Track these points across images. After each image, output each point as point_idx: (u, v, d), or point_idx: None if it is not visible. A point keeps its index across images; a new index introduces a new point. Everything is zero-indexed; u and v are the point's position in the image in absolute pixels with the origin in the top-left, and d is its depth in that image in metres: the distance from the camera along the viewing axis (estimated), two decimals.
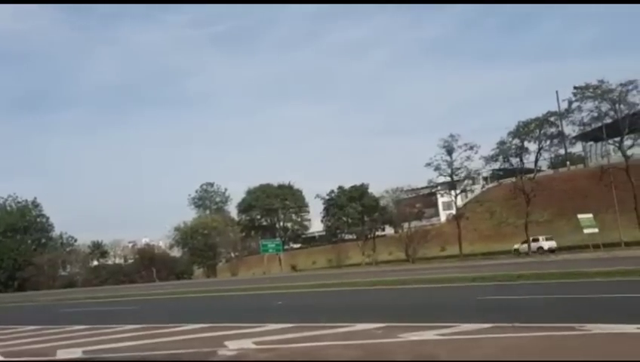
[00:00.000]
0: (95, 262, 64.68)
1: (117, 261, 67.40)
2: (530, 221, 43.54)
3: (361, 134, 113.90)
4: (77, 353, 10.36)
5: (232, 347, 9.46)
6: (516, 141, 46.67)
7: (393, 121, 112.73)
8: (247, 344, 9.67)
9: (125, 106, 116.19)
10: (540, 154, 46.41)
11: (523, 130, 45.91)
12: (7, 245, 57.98)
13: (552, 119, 45.17)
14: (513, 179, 50.03)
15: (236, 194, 78.87)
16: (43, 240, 62.92)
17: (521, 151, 46.37)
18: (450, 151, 45.48)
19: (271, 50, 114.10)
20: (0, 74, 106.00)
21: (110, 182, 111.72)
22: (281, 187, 75.57)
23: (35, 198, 61.63)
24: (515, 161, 46.83)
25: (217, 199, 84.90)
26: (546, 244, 42.31)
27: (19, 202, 60.87)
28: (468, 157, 45.85)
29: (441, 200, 63.97)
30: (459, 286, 18.67)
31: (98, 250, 66.24)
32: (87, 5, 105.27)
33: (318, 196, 60.28)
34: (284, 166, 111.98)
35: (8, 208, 60.78)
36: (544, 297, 13.91)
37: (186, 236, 60.75)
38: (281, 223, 76.30)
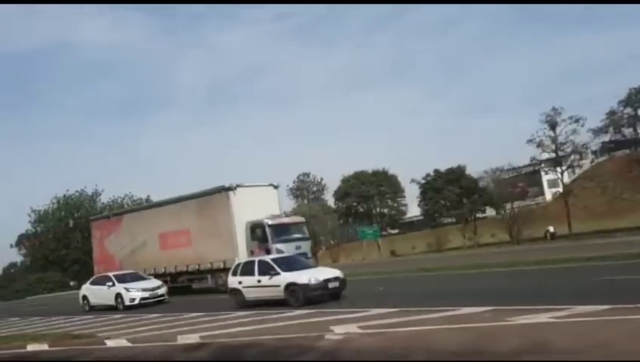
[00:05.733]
0: None
1: None
2: None
3: (453, 115, 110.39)
4: (194, 338, 11.11)
5: (338, 331, 9.67)
6: (628, 110, 43.12)
7: (485, 98, 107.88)
8: (353, 328, 9.83)
9: (216, 104, 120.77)
10: None
11: (636, 98, 42.29)
12: None
13: None
14: (627, 151, 46.18)
15: (332, 182, 79.61)
16: None
17: (635, 120, 42.77)
18: (553, 126, 42.81)
19: (352, 36, 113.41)
20: (106, 81, 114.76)
21: (211, 177, 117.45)
22: (375, 173, 75.25)
23: (149, 196, 65.42)
24: (628, 131, 43.28)
25: (314, 188, 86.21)
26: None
27: (134, 200, 64.83)
28: (574, 131, 42.89)
29: (545, 177, 60.54)
30: (571, 267, 17.65)
31: None
32: (173, 9, 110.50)
33: (413, 180, 59.33)
34: (376, 152, 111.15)
35: (125, 206, 65.07)
36: None
37: None
38: (378, 209, 76.09)
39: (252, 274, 16.07)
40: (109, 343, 12.02)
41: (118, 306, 21.04)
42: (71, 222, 62.31)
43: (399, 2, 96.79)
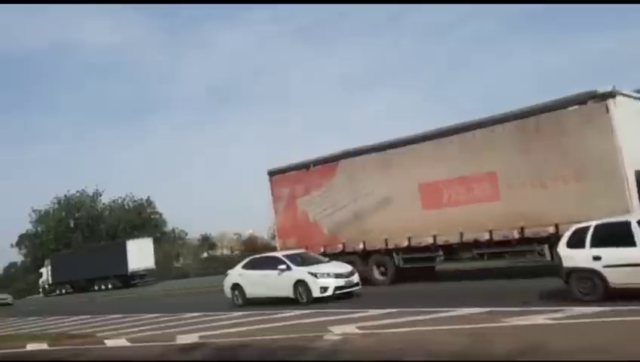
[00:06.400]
0: (205, 254, 68.27)
1: (224, 252, 70.74)
2: None
3: (453, 115, 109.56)
4: (194, 338, 11.12)
5: (337, 331, 9.68)
6: None
7: (486, 99, 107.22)
8: (351, 329, 9.84)
9: (216, 104, 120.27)
10: None
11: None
12: None
13: None
14: None
15: None
16: (158, 235, 67.01)
17: None
18: None
19: (352, 36, 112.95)
20: (106, 81, 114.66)
21: (212, 178, 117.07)
22: None
23: (149, 196, 65.58)
24: None
25: None
26: None
27: (135, 201, 64.98)
28: None
29: None
30: None
31: (207, 242, 69.87)
32: (173, 9, 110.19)
33: None
34: None
35: (126, 206, 65.07)
36: None
37: None
38: None
39: (625, 243, 9.70)
40: (108, 343, 12.05)
41: (299, 298, 15.39)
42: (71, 223, 62.42)
43: (399, 2, 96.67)
